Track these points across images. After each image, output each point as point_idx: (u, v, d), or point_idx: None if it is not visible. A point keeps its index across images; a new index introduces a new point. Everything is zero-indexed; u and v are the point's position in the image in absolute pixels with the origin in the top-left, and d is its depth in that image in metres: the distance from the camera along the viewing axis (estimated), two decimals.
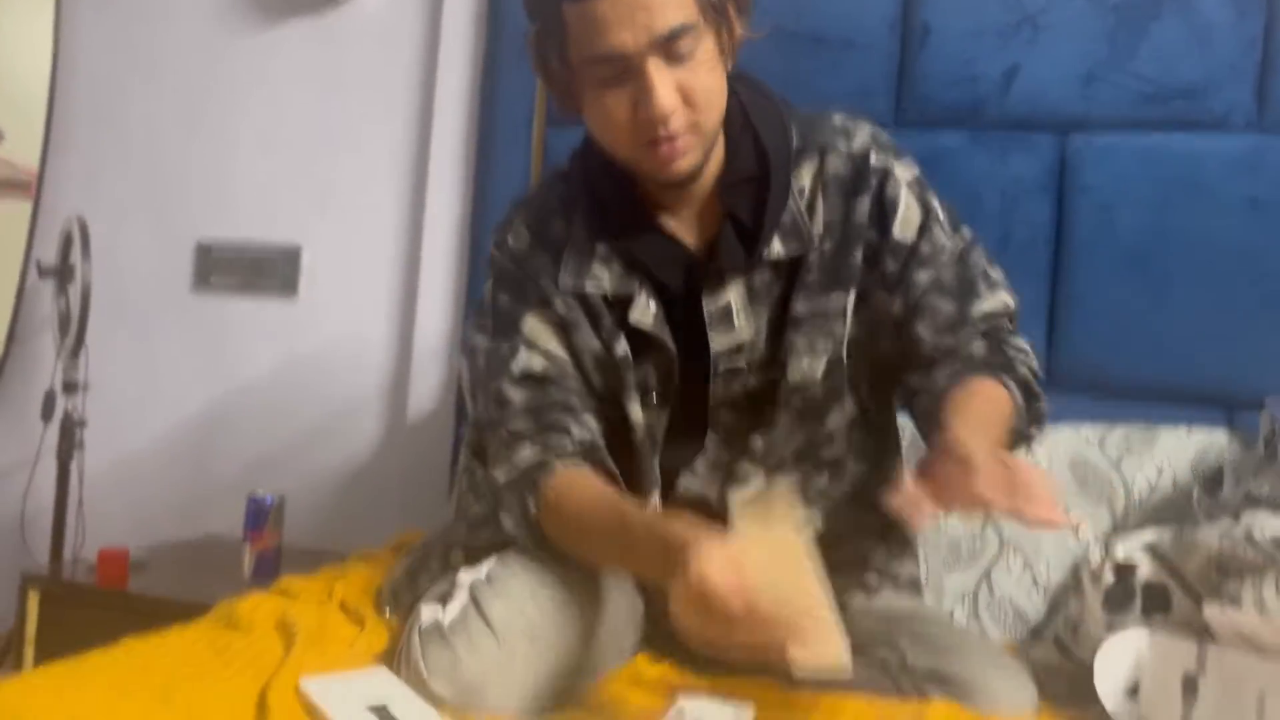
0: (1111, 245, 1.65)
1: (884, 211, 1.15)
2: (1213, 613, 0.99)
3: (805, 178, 1.16)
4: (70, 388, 2.01)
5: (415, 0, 2.14)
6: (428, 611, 1.03)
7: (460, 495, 1.37)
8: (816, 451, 1.20)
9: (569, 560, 1.08)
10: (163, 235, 2.29)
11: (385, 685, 0.98)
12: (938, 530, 1.46)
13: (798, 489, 0.96)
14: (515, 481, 1.12)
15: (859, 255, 1.15)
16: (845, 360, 1.16)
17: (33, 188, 2.24)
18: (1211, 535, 1.13)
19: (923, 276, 1.15)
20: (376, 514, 2.07)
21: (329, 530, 2.04)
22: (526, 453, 1.12)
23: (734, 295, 1.15)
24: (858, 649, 1.01)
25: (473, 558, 1.12)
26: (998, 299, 1.17)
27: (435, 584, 1.11)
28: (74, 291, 1.99)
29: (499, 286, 1.21)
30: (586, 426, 1.14)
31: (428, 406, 2.07)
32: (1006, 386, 1.10)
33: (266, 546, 1.78)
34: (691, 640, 0.86)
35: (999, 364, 1.13)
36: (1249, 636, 0.95)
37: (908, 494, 0.90)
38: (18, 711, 0.84)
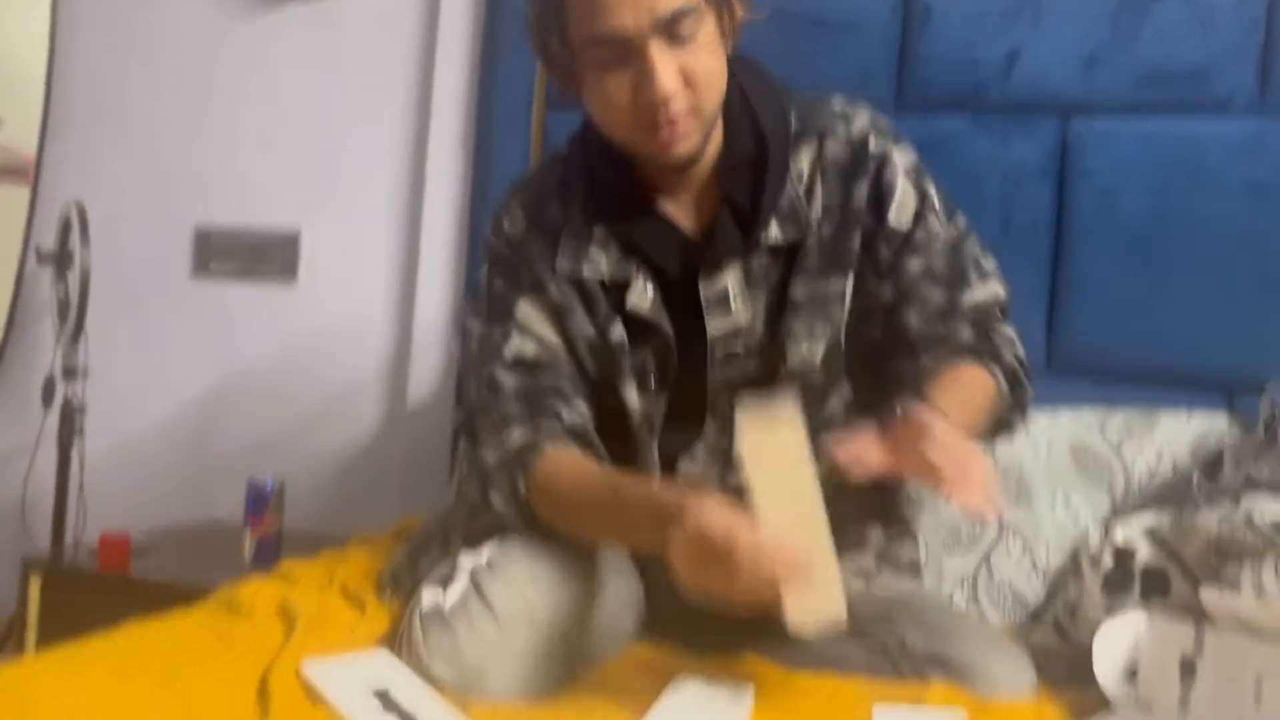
0: (1112, 229, 1.64)
1: (880, 197, 1.15)
2: (1209, 597, 0.99)
3: (804, 162, 1.16)
4: (70, 373, 2.01)
5: None
6: (428, 595, 1.04)
7: (460, 479, 1.37)
8: (816, 435, 1.20)
9: (569, 544, 1.08)
10: (162, 220, 2.28)
11: (386, 668, 0.98)
12: (938, 514, 1.46)
13: (800, 401, 0.96)
14: (505, 462, 1.12)
15: (857, 239, 1.15)
16: (843, 344, 1.16)
17: (31, 173, 2.24)
18: (1211, 519, 1.13)
19: (915, 264, 1.15)
20: (377, 498, 2.07)
21: (329, 515, 2.04)
22: (516, 434, 1.12)
23: (731, 280, 1.15)
24: (857, 632, 1.02)
25: (473, 542, 1.12)
26: (989, 289, 1.17)
27: (436, 568, 1.11)
28: (73, 277, 1.98)
29: (494, 271, 1.21)
30: (577, 411, 1.14)
31: (427, 391, 2.07)
32: (991, 373, 1.11)
33: (267, 531, 1.79)
34: (691, 592, 0.87)
35: (985, 351, 1.13)
36: (1245, 621, 0.95)
37: (854, 445, 0.90)
38: (20, 696, 0.84)
